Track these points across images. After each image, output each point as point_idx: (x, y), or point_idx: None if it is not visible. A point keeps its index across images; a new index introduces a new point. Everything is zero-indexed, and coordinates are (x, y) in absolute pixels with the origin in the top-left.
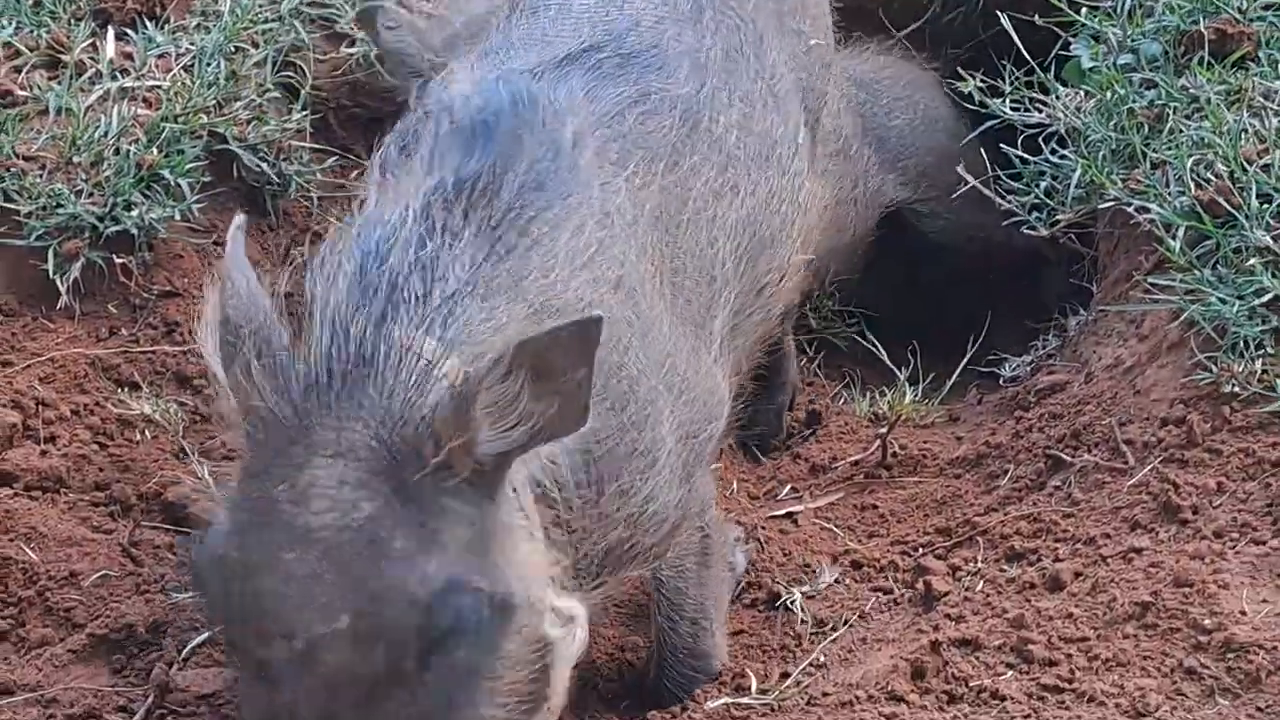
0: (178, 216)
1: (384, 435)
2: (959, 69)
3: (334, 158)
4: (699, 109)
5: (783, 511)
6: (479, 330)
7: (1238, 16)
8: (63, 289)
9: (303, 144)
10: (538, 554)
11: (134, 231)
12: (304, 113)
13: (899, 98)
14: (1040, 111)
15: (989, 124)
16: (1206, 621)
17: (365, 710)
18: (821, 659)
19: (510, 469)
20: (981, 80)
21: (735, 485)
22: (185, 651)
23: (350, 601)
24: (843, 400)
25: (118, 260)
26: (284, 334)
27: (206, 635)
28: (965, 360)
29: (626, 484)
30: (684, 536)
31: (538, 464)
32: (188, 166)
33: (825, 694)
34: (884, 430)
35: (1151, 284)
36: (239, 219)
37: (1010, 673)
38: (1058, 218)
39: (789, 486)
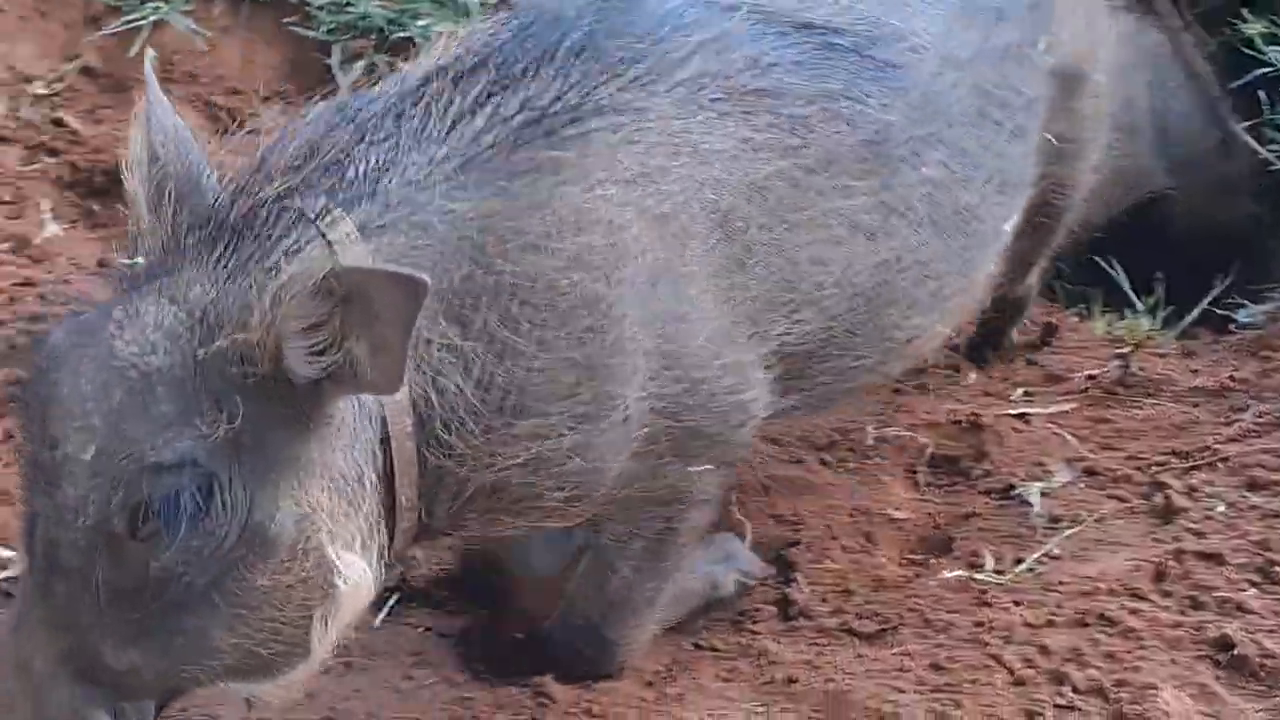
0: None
1: (219, 300)
2: (1242, 10)
3: None
4: (900, 147)
5: (1016, 411)
6: (430, 220)
7: None
8: (343, 84)
9: None
10: (341, 507)
11: (418, 40)
12: None
13: (1183, 84)
14: None
15: (1262, 70)
16: None
17: (82, 553)
18: (1056, 551)
19: (331, 406)
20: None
21: (973, 376)
22: None
23: (100, 436)
24: (1076, 319)
25: (400, 66)
26: (209, 177)
27: None
28: (1208, 299)
29: (546, 426)
30: (635, 515)
31: (433, 391)
32: None
33: (1062, 583)
34: (1125, 350)
35: None
36: (150, 55)
37: (1254, 590)
38: None
39: (1022, 390)
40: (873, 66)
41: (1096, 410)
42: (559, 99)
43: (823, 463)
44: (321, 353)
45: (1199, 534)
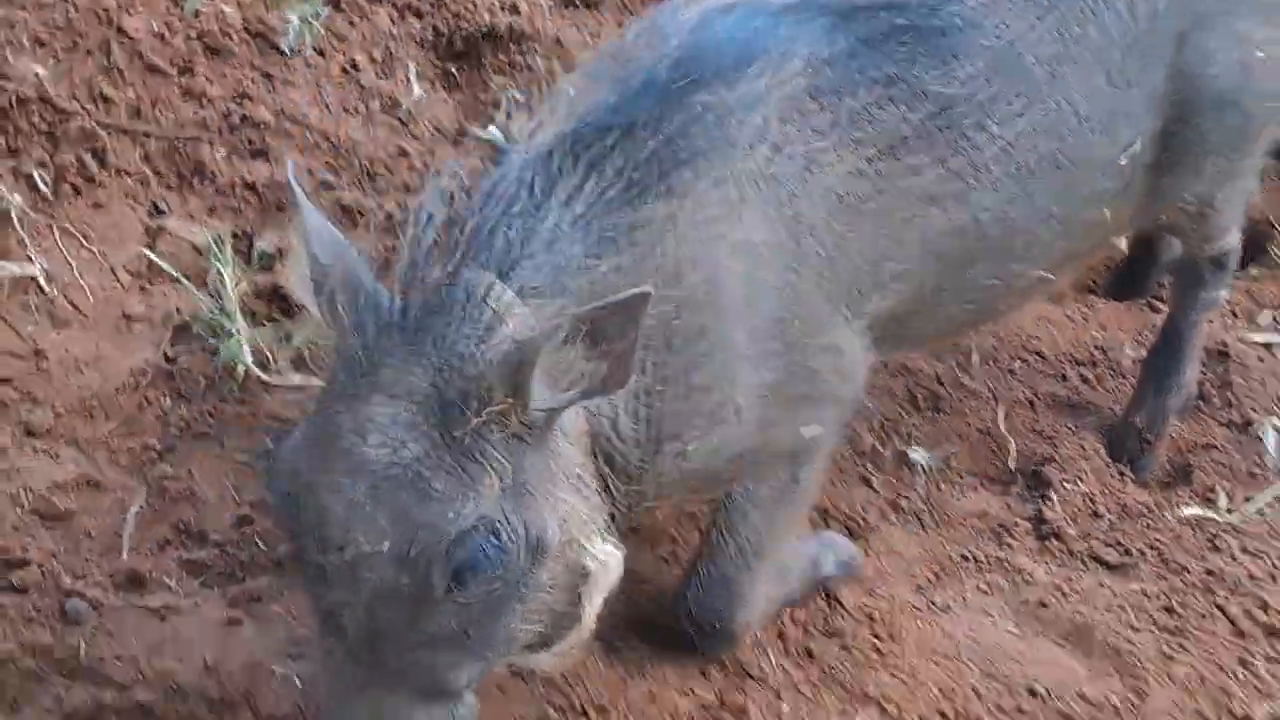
0: None
1: (441, 383)
2: None
3: None
4: (966, 114)
5: (1263, 340)
6: (571, 281)
7: None
8: None
9: None
10: (581, 501)
11: None
12: None
13: None
14: None
15: None
16: None
17: (402, 618)
18: None
19: (559, 420)
20: None
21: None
22: None
23: (392, 529)
24: None
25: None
26: (369, 275)
27: None
28: None
29: (685, 440)
30: (762, 470)
31: (601, 425)
32: None
33: None
34: None
35: None
36: (290, 165)
37: None
38: None
39: (1271, 314)
40: (933, 39)
41: None
42: (648, 159)
43: (1083, 379)
44: (565, 389)
45: None
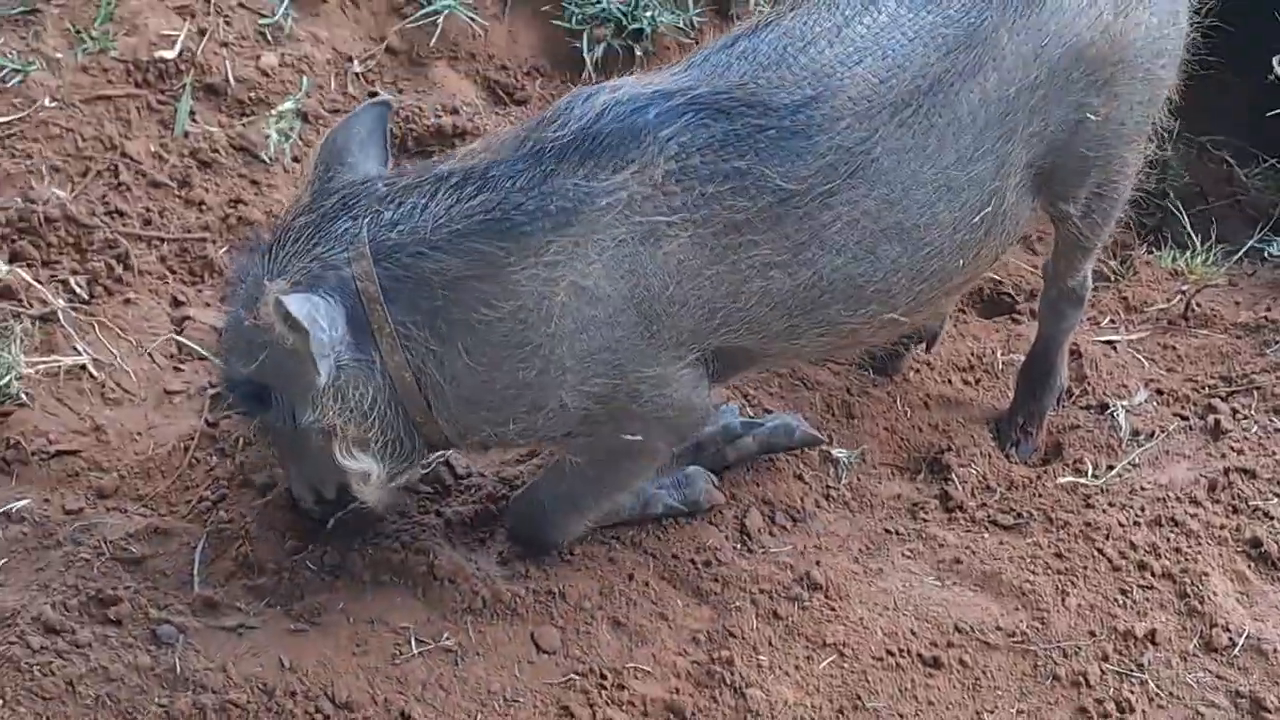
0: (680, 23)
1: (264, 282)
2: None
3: None
4: (804, 203)
5: (1105, 339)
6: (422, 264)
7: None
8: (589, 64)
9: None
10: (347, 420)
11: (646, 29)
12: None
13: None
14: None
15: None
16: None
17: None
18: (1137, 461)
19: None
20: None
21: None
22: None
23: (222, 360)
24: (1148, 253)
25: (636, 50)
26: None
27: None
28: (1254, 239)
29: (496, 416)
30: (593, 451)
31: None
32: None
33: (1143, 488)
34: (1186, 289)
35: None
36: (384, 97)
37: (1276, 500)
38: None
39: (1109, 318)
40: (786, 139)
41: (1164, 338)
42: (518, 204)
43: (965, 381)
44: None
45: (1239, 451)
